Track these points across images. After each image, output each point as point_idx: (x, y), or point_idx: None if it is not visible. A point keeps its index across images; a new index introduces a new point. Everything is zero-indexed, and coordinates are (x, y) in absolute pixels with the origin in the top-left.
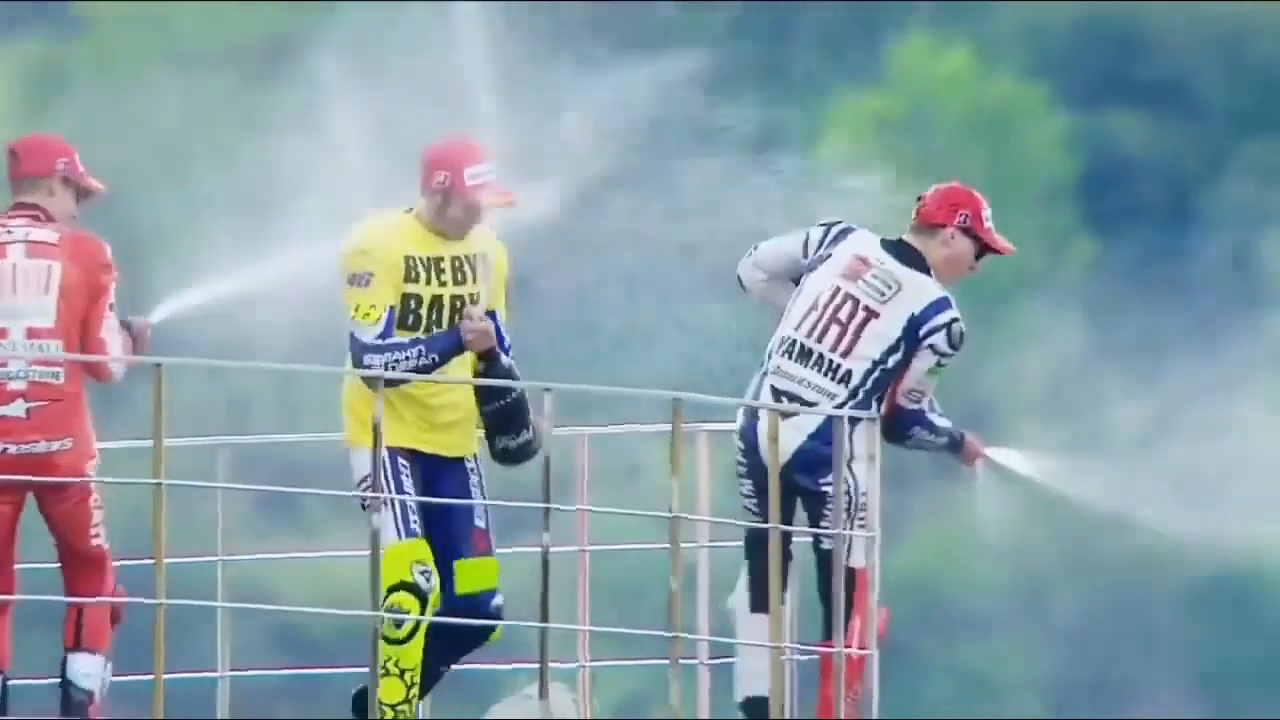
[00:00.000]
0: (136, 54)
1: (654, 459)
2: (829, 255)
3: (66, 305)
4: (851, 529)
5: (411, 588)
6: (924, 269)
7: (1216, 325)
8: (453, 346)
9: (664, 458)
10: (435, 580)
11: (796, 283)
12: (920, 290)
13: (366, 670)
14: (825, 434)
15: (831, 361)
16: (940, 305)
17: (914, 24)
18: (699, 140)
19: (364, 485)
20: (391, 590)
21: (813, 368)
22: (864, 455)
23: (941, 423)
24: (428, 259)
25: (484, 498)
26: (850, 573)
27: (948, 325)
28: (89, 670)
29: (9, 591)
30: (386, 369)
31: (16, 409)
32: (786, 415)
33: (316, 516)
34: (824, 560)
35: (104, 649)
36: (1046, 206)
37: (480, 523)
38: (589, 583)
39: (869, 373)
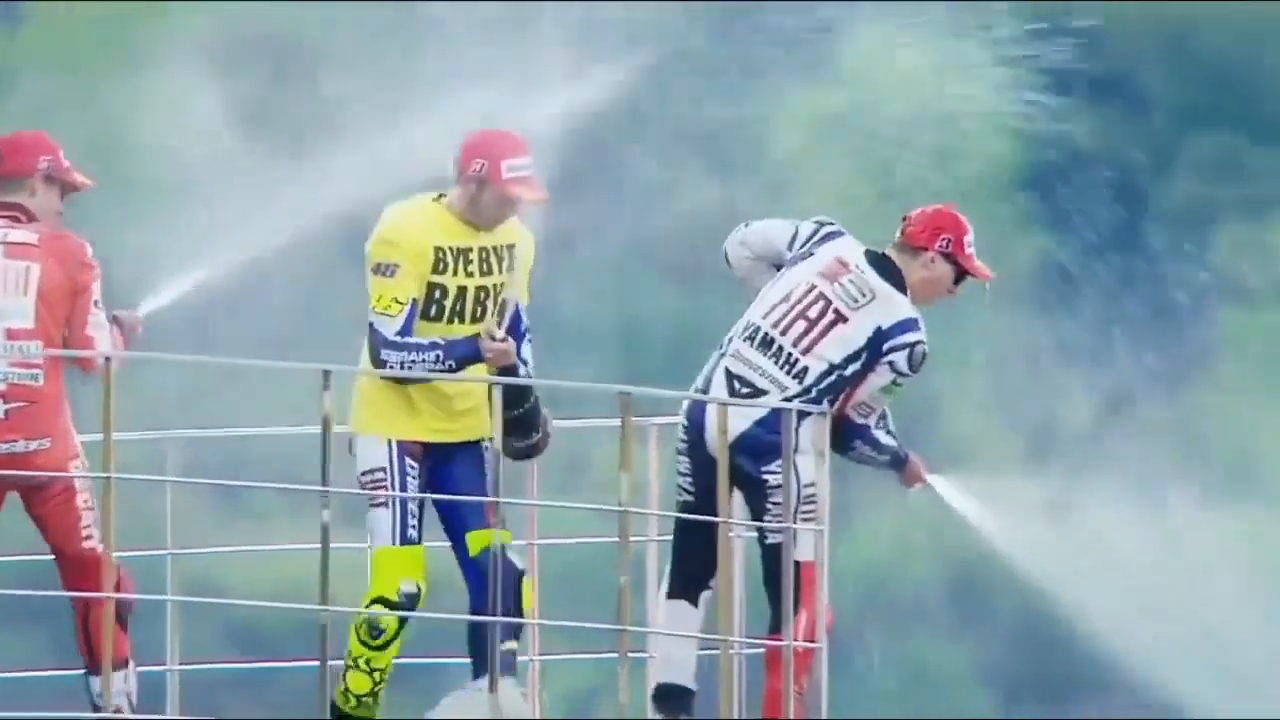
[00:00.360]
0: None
1: (602, 454)
2: (812, 253)
3: (46, 306)
4: (796, 522)
5: (394, 605)
6: (900, 287)
7: (1167, 318)
8: (470, 356)
9: (612, 452)
10: (423, 589)
11: (779, 269)
12: (892, 306)
13: (316, 664)
14: (772, 423)
15: (790, 355)
16: (908, 325)
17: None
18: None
19: (372, 478)
20: (374, 601)
21: (771, 358)
22: (810, 449)
23: (886, 441)
24: (456, 249)
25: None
26: (795, 566)
27: (911, 346)
28: (115, 689)
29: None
30: (402, 367)
31: None
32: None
33: (267, 509)
34: (768, 554)
35: (123, 658)
36: (994, 201)
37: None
38: (538, 576)
39: (825, 374)
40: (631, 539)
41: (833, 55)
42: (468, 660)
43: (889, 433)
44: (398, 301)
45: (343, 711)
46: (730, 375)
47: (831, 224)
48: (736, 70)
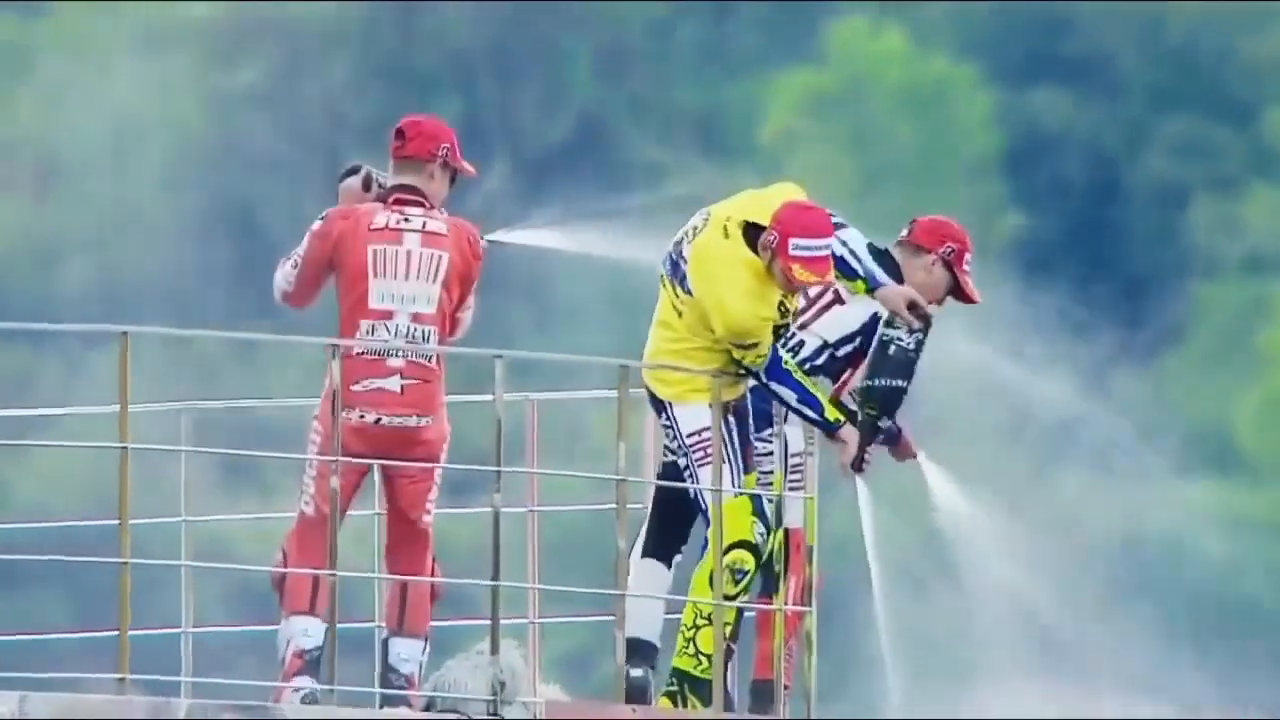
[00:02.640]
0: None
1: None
2: None
3: (447, 294)
4: (786, 489)
5: (752, 547)
6: (899, 281)
7: (1142, 295)
8: (825, 426)
9: (608, 422)
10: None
11: None
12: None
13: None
14: (764, 392)
15: (787, 327)
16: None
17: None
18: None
19: (699, 439)
20: (733, 546)
21: None
22: (799, 420)
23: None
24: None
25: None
26: (785, 532)
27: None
28: (408, 655)
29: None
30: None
31: (393, 384)
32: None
33: (276, 478)
34: None
35: (424, 632)
36: (974, 181)
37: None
38: (537, 542)
39: (819, 350)
40: (628, 506)
41: (817, 36)
42: (473, 623)
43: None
44: (758, 356)
45: (692, 675)
46: None
47: (834, 214)
48: (725, 53)
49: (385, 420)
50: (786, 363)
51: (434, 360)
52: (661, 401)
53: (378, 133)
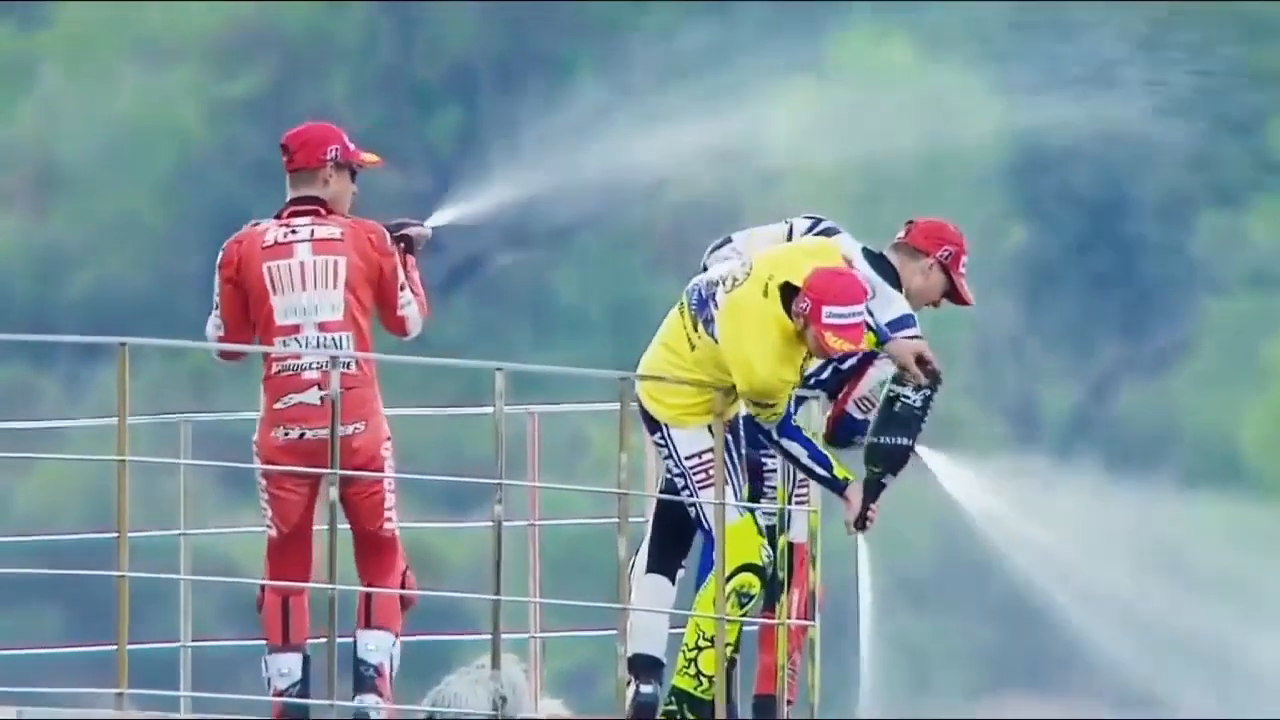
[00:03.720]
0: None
1: (600, 436)
2: None
3: (354, 297)
4: (791, 504)
5: (758, 570)
6: (896, 285)
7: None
8: (834, 486)
9: (610, 435)
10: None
11: None
12: (890, 301)
13: (324, 640)
14: None
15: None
16: (906, 320)
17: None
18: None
19: (699, 461)
20: (739, 570)
21: None
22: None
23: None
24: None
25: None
26: (789, 546)
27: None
28: (375, 645)
29: (306, 575)
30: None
31: (311, 397)
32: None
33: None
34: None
35: (394, 628)
36: (981, 192)
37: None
38: (539, 556)
39: (823, 365)
40: (629, 519)
41: (821, 49)
42: (473, 638)
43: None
44: (773, 415)
45: (692, 696)
46: None
47: (825, 219)
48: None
49: (309, 434)
50: (796, 420)
51: (356, 366)
52: (657, 422)
53: (377, 145)
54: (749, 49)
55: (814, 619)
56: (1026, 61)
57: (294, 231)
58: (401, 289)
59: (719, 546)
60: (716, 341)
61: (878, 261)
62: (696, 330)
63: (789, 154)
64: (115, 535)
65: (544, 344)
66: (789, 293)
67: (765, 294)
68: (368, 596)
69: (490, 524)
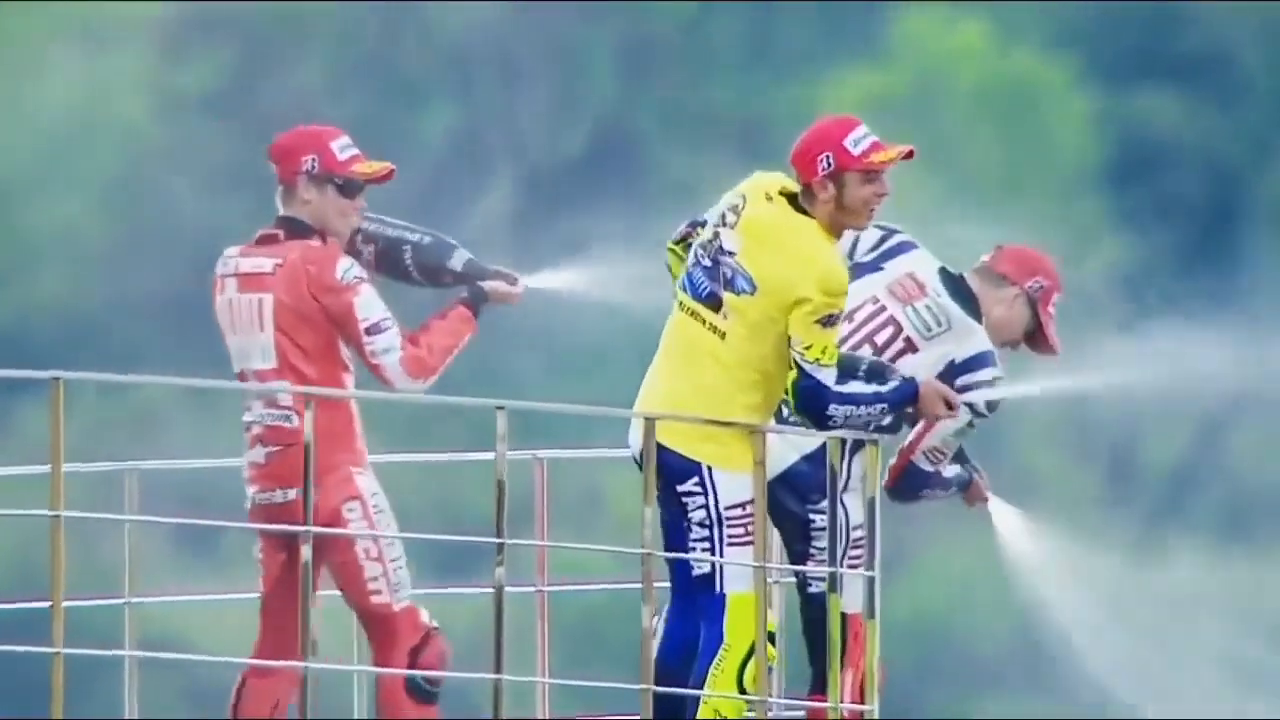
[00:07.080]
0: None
1: (618, 486)
2: (880, 267)
3: (289, 340)
4: (843, 568)
5: (773, 638)
6: (976, 315)
7: (1263, 338)
8: (908, 399)
9: (630, 485)
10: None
11: None
12: (968, 335)
13: None
14: (822, 458)
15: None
16: (985, 359)
17: None
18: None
19: (742, 513)
20: (767, 641)
21: None
22: (859, 487)
23: (950, 473)
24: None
25: None
26: (841, 618)
27: (990, 384)
28: None
29: (272, 655)
30: (846, 420)
31: (257, 455)
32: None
33: (234, 550)
34: (810, 603)
35: None
36: (1069, 198)
37: None
38: (548, 625)
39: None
40: (656, 584)
41: (883, 32)
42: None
43: (950, 462)
44: (830, 349)
45: None
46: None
47: (899, 230)
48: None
49: (257, 498)
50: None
51: (295, 421)
52: (695, 463)
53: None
54: (795, 34)
55: (871, 703)
56: (1122, 45)
57: (224, 264)
58: (376, 331)
59: (759, 615)
60: (752, 291)
61: (956, 284)
62: (719, 311)
63: None
64: (49, 604)
65: (557, 381)
66: (792, 201)
67: (772, 202)
68: (378, 686)
69: (490, 589)
